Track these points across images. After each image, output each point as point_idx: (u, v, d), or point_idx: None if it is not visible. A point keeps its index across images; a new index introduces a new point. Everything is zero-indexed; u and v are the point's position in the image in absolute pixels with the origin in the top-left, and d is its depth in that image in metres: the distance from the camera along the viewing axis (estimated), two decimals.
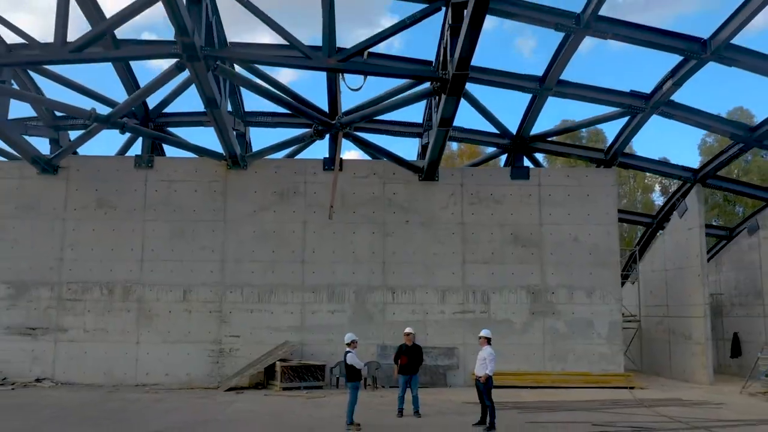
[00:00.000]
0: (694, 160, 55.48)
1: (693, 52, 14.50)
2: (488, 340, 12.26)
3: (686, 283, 20.22)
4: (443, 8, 14.18)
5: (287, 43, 14.51)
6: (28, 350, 18.41)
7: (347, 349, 12.31)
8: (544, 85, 17.00)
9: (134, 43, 16.29)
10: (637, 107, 17.51)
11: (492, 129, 19.87)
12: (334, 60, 14.08)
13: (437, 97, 15.53)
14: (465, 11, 12.58)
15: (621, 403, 14.96)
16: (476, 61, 13.55)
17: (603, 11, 13.97)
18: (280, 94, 16.69)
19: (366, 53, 15.30)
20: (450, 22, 13.63)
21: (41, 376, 18.13)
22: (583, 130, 38.90)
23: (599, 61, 59.44)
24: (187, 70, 14.31)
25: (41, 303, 18.63)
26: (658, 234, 22.95)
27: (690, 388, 18.22)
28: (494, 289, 19.00)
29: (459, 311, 18.81)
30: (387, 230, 19.19)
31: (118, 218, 18.97)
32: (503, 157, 21.36)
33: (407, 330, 13.63)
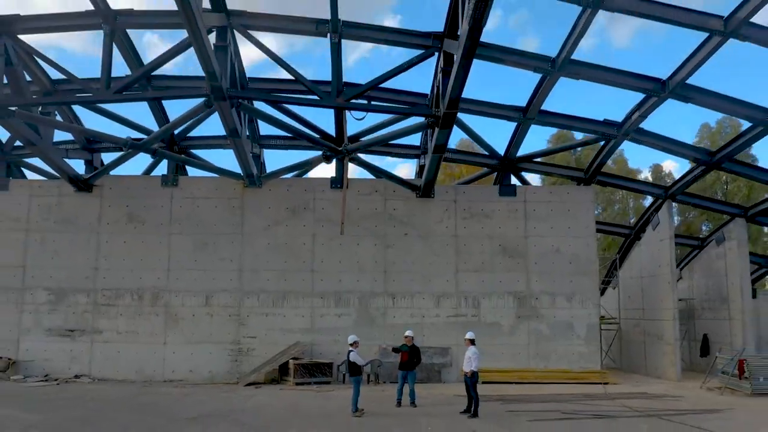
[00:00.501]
0: (684, 165, 57.62)
1: (654, 91, 16.62)
2: (472, 341, 14.39)
3: (659, 290, 22.31)
4: (436, 53, 16.32)
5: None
6: (67, 350, 20.59)
7: (350, 348, 14.47)
8: (526, 115, 19.15)
9: (166, 79, 18.48)
10: (609, 134, 19.65)
11: (482, 150, 22.08)
12: (342, 99, 16.22)
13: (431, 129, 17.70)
14: (455, 57, 14.70)
15: (592, 396, 17.07)
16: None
17: None
18: (294, 123, 18.84)
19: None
20: (442, 65, 15.78)
21: (79, 373, 20.30)
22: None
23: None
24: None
25: (79, 308, 20.82)
26: (635, 244, 25.03)
27: (659, 383, 20.32)
28: (484, 295, 21.13)
29: (452, 315, 20.95)
30: (388, 242, 21.33)
31: (146, 232, 21.15)
32: (494, 175, 23.54)
33: (407, 333, 15.73)
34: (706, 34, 14.80)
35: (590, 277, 21.39)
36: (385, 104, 18.41)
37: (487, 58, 16.32)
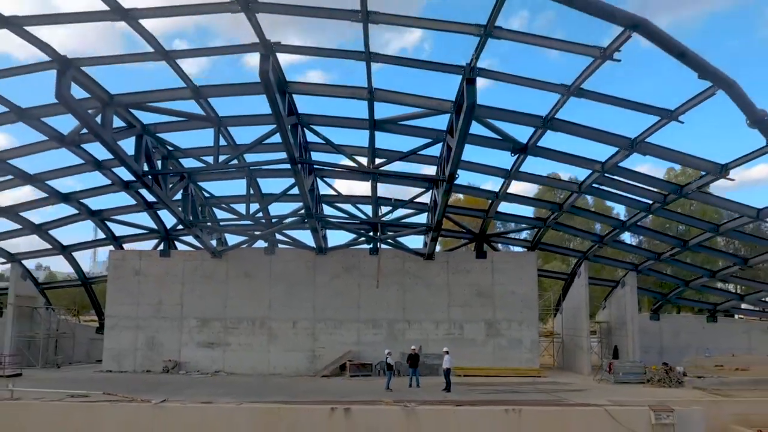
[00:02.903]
0: None
1: (623, 146, 25.80)
2: (447, 352, 26.66)
3: (581, 318, 34.23)
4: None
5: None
6: (209, 355, 33.29)
7: (387, 355, 26.91)
8: (488, 211, 31.43)
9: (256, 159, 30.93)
10: (545, 218, 31.84)
11: (465, 225, 34.42)
12: (374, 167, 27.11)
13: (431, 232, 30.04)
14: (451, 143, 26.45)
15: (525, 383, 29.04)
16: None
17: None
18: (345, 215, 31.33)
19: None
20: (445, 150, 27.22)
21: (218, 370, 32.97)
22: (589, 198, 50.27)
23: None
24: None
25: (215, 329, 33.55)
26: (572, 285, 36.99)
27: (575, 376, 32.22)
28: (466, 321, 33.34)
29: (446, 334, 33.17)
30: (405, 288, 33.67)
31: (255, 283, 33.78)
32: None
33: (413, 346, 28.11)
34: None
35: (533, 310, 33.52)
36: (402, 202, 30.76)
37: (483, 122, 26.39)
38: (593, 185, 26.69)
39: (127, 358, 33.47)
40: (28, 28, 16.64)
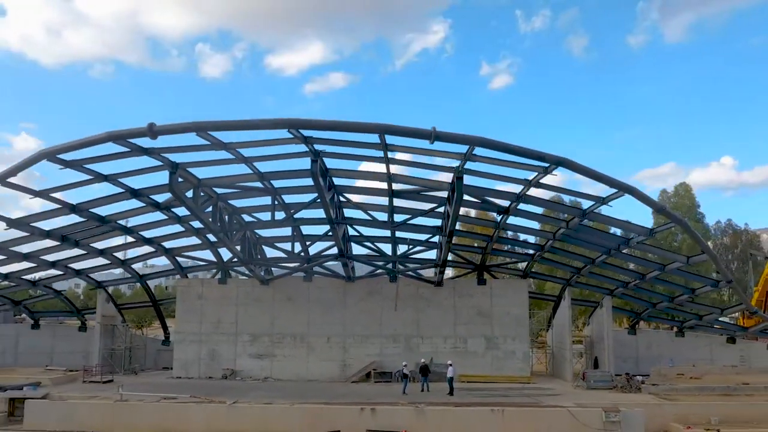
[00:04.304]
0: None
1: (574, 215, 33.88)
2: (451, 364, 33.50)
3: (565, 333, 40.77)
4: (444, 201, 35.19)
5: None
6: (259, 365, 40.41)
7: (404, 365, 33.84)
8: (487, 249, 38.20)
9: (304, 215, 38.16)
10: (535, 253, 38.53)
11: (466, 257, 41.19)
12: (392, 226, 35.04)
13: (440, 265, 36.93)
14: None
15: (515, 387, 35.66)
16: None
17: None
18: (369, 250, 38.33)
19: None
20: (447, 212, 34.70)
21: (267, 377, 40.12)
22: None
23: None
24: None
25: (264, 343, 40.71)
26: (559, 306, 43.50)
27: (559, 382, 38.69)
28: (469, 336, 40.08)
29: (452, 347, 39.92)
30: (419, 309, 40.49)
31: (296, 305, 40.85)
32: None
33: (422, 359, 35.01)
34: None
35: (524, 328, 40.17)
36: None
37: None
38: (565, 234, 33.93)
39: (193, 367, 40.77)
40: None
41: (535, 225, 36.62)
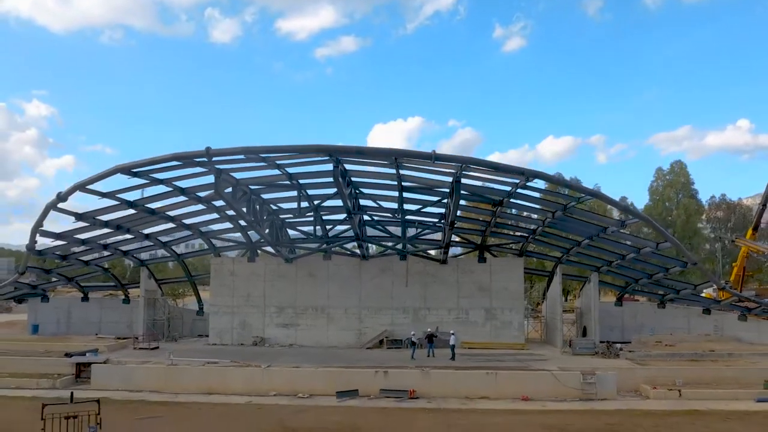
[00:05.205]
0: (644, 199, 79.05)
1: (556, 209, 39.00)
2: (453, 333, 38.26)
3: (557, 305, 45.38)
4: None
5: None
6: (284, 333, 45.40)
7: (411, 335, 38.69)
8: (487, 230, 42.62)
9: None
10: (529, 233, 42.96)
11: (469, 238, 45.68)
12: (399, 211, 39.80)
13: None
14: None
15: (510, 353, 40.41)
16: None
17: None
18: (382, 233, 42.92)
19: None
20: (449, 204, 39.25)
21: (291, 344, 45.16)
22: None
23: None
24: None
25: (289, 314, 45.63)
26: (552, 281, 47.99)
27: (550, 349, 43.36)
28: (470, 308, 44.77)
29: (455, 318, 44.64)
30: (426, 283, 45.14)
31: (317, 280, 45.60)
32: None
33: (428, 329, 39.81)
34: None
35: (519, 301, 44.79)
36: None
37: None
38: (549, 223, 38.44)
39: (226, 335, 45.84)
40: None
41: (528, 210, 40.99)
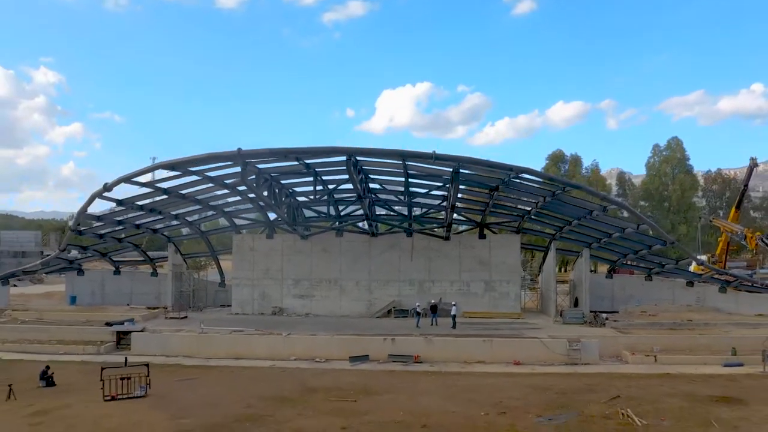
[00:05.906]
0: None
1: (546, 195, 42.63)
2: (455, 304, 42.02)
3: (551, 277, 48.97)
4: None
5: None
6: (300, 303, 49.32)
7: (416, 305, 42.55)
8: (486, 211, 46.09)
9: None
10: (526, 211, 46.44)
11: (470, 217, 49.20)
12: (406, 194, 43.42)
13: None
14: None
15: (507, 322, 44.18)
16: None
17: None
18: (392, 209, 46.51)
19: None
20: (450, 190, 42.75)
21: (307, 313, 49.13)
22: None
23: None
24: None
25: (305, 286, 49.50)
26: (548, 255, 51.53)
27: (544, 318, 47.12)
28: (471, 281, 48.47)
29: (457, 289, 48.36)
30: (431, 258, 48.74)
31: (330, 255, 49.29)
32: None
33: (432, 300, 43.60)
34: None
35: (516, 274, 48.44)
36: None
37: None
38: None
39: (248, 305, 49.83)
40: None
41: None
